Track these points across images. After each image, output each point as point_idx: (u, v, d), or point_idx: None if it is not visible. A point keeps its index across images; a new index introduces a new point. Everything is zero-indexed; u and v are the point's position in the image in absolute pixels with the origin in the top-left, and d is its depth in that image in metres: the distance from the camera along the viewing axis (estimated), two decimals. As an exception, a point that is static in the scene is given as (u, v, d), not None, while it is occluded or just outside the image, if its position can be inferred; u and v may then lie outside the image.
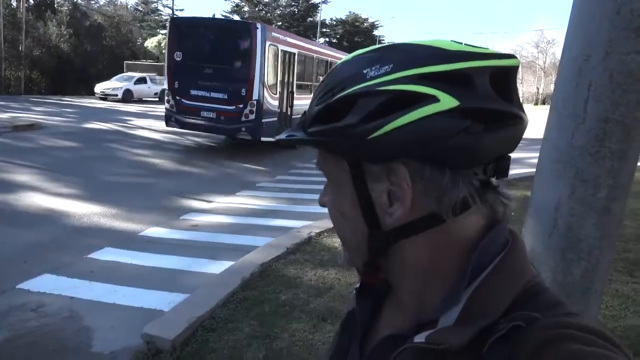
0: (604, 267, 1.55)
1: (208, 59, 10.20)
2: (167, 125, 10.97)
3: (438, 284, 0.50)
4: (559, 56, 1.63)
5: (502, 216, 0.51)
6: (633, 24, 1.34)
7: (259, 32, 9.89)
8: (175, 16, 21.65)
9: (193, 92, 10.29)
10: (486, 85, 0.47)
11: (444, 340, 0.45)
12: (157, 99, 24.95)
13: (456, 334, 0.46)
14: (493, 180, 0.50)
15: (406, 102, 0.46)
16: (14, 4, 25.31)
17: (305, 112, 0.56)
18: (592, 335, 0.41)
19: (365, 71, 0.49)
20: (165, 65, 11.10)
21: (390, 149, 0.47)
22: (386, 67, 0.48)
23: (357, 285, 0.64)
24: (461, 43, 0.49)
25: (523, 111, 0.49)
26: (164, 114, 11.00)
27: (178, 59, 10.42)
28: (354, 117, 0.48)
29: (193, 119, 10.39)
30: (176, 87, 10.50)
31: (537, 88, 55.85)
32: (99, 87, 23.55)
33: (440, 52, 0.47)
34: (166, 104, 10.79)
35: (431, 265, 0.51)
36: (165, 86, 10.90)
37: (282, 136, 0.56)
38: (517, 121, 0.48)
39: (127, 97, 23.24)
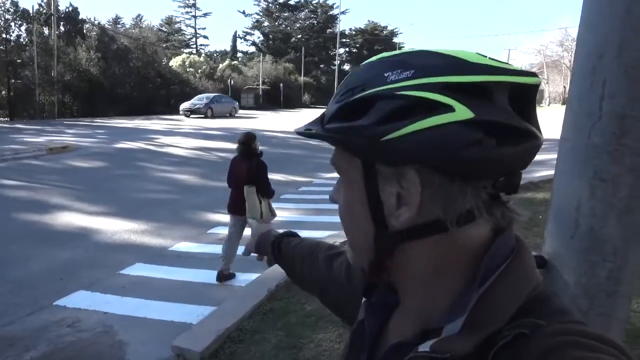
0: (631, 268, 1.51)
1: None
2: None
3: (443, 290, 0.51)
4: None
5: (507, 226, 0.51)
6: (646, 20, 1.33)
7: None
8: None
9: None
10: (504, 100, 0.47)
11: (449, 349, 0.45)
12: None
13: (461, 342, 0.46)
14: (503, 195, 0.50)
15: (422, 109, 0.46)
16: (46, 32, 26.54)
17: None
18: (596, 341, 0.41)
19: (386, 74, 0.49)
20: None
21: (402, 153, 0.47)
22: (407, 72, 0.48)
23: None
24: (485, 56, 0.49)
25: (539, 130, 0.49)
26: None
27: None
28: (370, 117, 0.48)
29: None
30: None
31: (564, 87, 54.53)
32: None
33: (463, 63, 0.48)
34: None
35: (436, 271, 0.51)
36: None
37: (301, 129, 0.57)
38: (531, 139, 0.48)
39: None
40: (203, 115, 27.26)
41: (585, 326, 0.44)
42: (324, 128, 0.53)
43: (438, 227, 0.49)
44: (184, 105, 28.15)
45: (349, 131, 0.50)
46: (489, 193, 0.49)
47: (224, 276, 4.51)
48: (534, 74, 0.48)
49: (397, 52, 0.52)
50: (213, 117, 27.36)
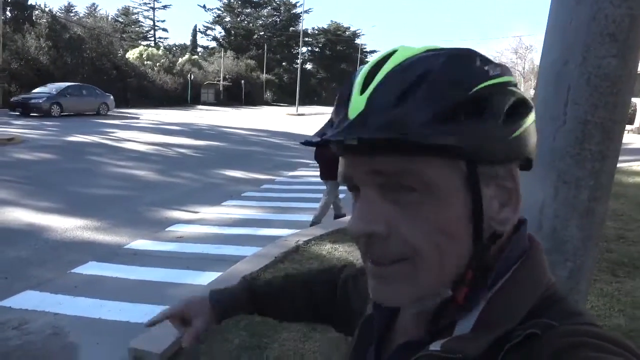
0: (589, 267, 1.58)
1: None
2: None
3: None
4: (537, 62, 1.68)
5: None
6: (608, 29, 1.39)
7: None
8: None
9: None
10: None
11: (460, 349, 0.45)
12: None
13: (472, 342, 0.45)
14: None
15: (526, 105, 0.48)
16: (-9, 16, 24.95)
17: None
18: (608, 343, 0.41)
19: (486, 68, 0.45)
20: None
21: (520, 149, 0.47)
22: (498, 68, 0.46)
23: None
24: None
25: None
26: None
27: None
28: (496, 115, 0.45)
29: None
30: None
31: (518, 93, 57.15)
32: None
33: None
34: None
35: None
36: None
37: (372, 136, 0.43)
38: None
39: None
40: (43, 114, 18.39)
41: (598, 328, 0.45)
42: (422, 134, 0.42)
43: (520, 224, 0.51)
44: (16, 99, 19.02)
45: (470, 132, 0.43)
46: None
47: (314, 224, 5.88)
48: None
49: (447, 48, 0.47)
50: (63, 115, 18.99)
